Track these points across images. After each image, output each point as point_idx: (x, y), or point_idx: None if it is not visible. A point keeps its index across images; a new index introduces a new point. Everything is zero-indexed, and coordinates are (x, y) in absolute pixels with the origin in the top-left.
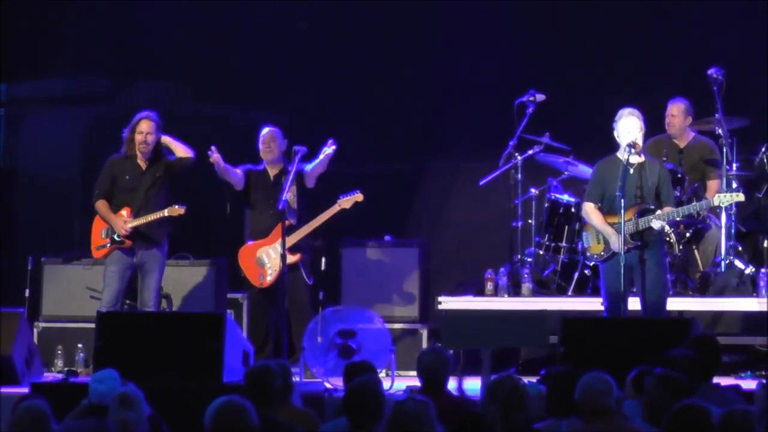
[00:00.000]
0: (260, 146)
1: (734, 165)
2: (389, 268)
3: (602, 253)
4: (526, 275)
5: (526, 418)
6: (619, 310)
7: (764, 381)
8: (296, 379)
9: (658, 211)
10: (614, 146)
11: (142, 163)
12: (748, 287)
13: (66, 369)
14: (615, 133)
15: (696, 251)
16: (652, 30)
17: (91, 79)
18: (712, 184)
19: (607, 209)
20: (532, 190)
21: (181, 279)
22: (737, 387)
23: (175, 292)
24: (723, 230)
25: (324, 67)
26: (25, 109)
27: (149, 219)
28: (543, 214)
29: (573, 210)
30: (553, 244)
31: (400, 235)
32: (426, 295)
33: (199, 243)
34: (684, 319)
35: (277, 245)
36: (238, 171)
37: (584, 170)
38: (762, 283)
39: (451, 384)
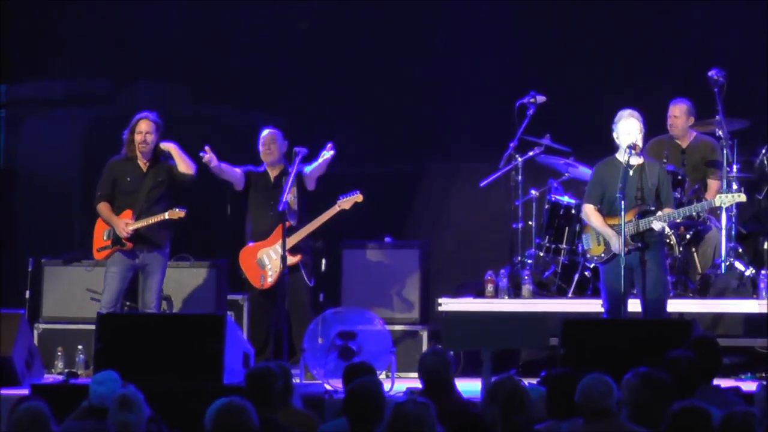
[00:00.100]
0: (260, 148)
1: (735, 167)
2: (389, 270)
3: (602, 255)
4: (526, 277)
5: (527, 419)
6: (619, 311)
7: (765, 383)
8: (296, 380)
9: (659, 213)
10: (614, 148)
11: (142, 165)
12: (748, 289)
13: (66, 370)
14: (614, 135)
15: (696, 253)
16: (651, 30)
17: (90, 79)
18: (713, 185)
19: (607, 211)
20: (533, 192)
21: (181, 280)
22: (737, 389)
23: (176, 293)
24: (723, 232)
25: (324, 67)
26: (25, 110)
27: (150, 222)
28: (543, 215)
29: (573, 211)
30: (553, 246)
31: (401, 236)
32: (426, 297)
33: (199, 244)
34: (684, 320)
35: (278, 246)
36: (238, 170)
37: (585, 172)
38: (762, 285)
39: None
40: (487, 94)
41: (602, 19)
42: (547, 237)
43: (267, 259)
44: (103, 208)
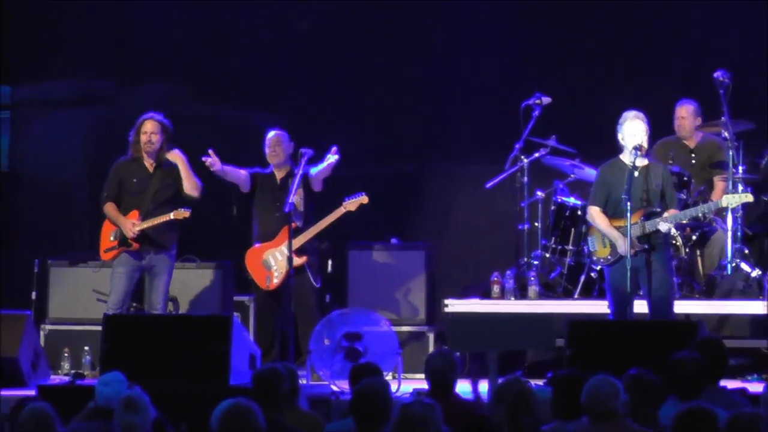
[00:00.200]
0: (266, 150)
1: (740, 168)
2: (395, 271)
3: (609, 257)
4: (532, 278)
5: (533, 421)
6: (625, 313)
7: None
8: (303, 381)
9: (665, 214)
10: (617, 149)
11: (149, 165)
12: (754, 290)
13: (72, 371)
14: (619, 136)
15: (702, 254)
16: (652, 31)
17: (93, 81)
18: (720, 185)
19: (612, 212)
20: (539, 193)
21: (187, 282)
22: (744, 390)
23: (182, 294)
24: (729, 233)
25: (326, 67)
26: (29, 112)
27: (156, 222)
28: (549, 217)
29: (579, 213)
30: (559, 247)
31: (407, 237)
32: (432, 298)
33: (205, 246)
34: (690, 322)
35: (284, 248)
36: (243, 172)
37: (590, 173)
38: None
39: (466, 387)
40: (490, 95)
41: (603, 19)
42: (553, 238)
43: (273, 260)
44: (109, 208)
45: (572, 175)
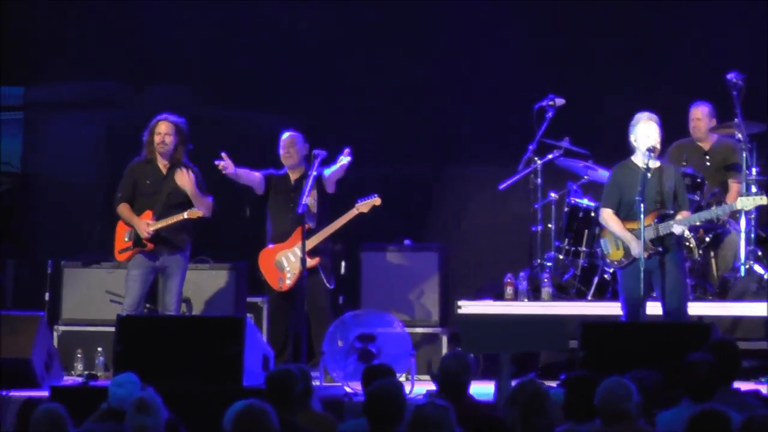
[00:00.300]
0: (280, 151)
1: (754, 169)
2: (409, 272)
3: (622, 260)
4: (545, 280)
5: (547, 422)
6: (637, 316)
7: None
8: (316, 383)
9: (678, 216)
10: (629, 151)
11: (162, 167)
12: (767, 292)
13: (86, 373)
14: (632, 138)
15: (715, 256)
16: (665, 33)
17: (106, 82)
18: (734, 187)
19: (625, 214)
20: (552, 195)
21: (200, 283)
22: (757, 392)
23: (195, 296)
24: (742, 235)
25: (339, 70)
26: (42, 113)
27: (170, 221)
28: (562, 218)
29: (592, 214)
30: (572, 249)
31: (420, 239)
32: (446, 300)
33: (218, 247)
34: (703, 324)
35: (297, 249)
36: (257, 174)
37: (604, 175)
38: None
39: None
40: (504, 97)
41: (617, 20)
42: (566, 240)
43: (285, 262)
44: (123, 209)
45: (586, 177)
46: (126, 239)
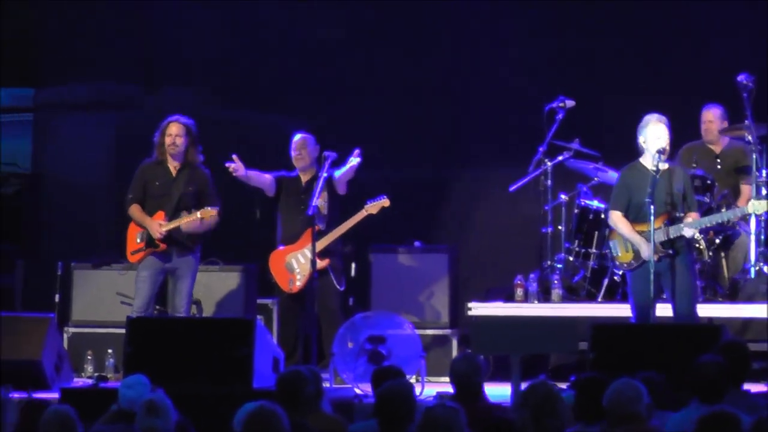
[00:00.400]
0: (292, 153)
1: (764, 171)
2: (419, 274)
3: (632, 262)
4: (555, 281)
5: (559, 424)
6: (648, 318)
7: None
8: (326, 384)
9: (688, 219)
10: (639, 152)
11: (172, 168)
12: None
13: (96, 374)
14: (640, 139)
15: (725, 258)
16: (676, 35)
17: (116, 83)
18: (746, 190)
19: (634, 217)
20: (562, 196)
21: (211, 284)
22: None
23: (205, 297)
24: (752, 237)
25: (350, 72)
26: (52, 114)
27: (184, 221)
28: (573, 220)
29: (603, 216)
30: (582, 250)
31: (430, 240)
32: (456, 301)
33: (228, 248)
34: (713, 325)
35: (306, 250)
36: (268, 176)
37: (614, 176)
38: None
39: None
40: (514, 99)
41: (626, 21)
42: (576, 241)
43: (295, 263)
44: (134, 210)
45: (596, 179)
46: (138, 240)
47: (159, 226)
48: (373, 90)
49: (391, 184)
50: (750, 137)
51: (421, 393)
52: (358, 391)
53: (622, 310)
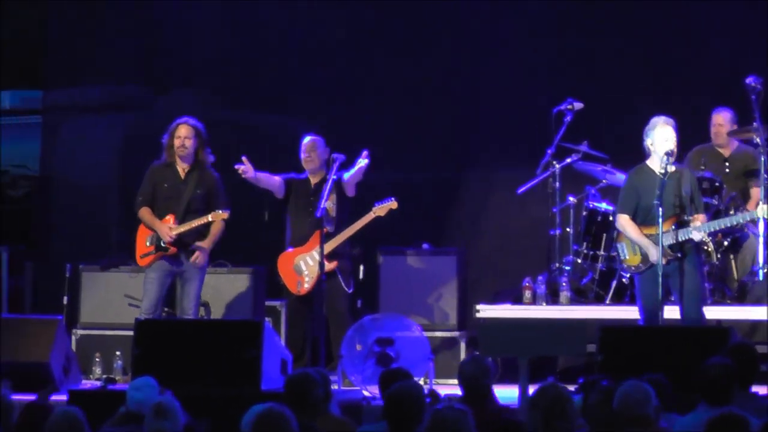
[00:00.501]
0: (301, 155)
1: None
2: (427, 276)
3: (640, 265)
4: (564, 283)
5: (568, 426)
6: (656, 321)
7: None
8: (334, 387)
9: (697, 222)
10: (646, 155)
11: (181, 171)
12: None
13: (104, 376)
14: (648, 142)
15: (734, 260)
16: (684, 36)
17: (125, 86)
18: (755, 193)
19: (642, 219)
20: (570, 199)
21: (219, 287)
22: None
23: (213, 299)
24: (761, 239)
25: (358, 74)
26: (61, 116)
27: (194, 225)
28: (581, 222)
29: (611, 218)
30: (591, 253)
31: (438, 243)
32: (464, 303)
33: (237, 250)
34: (722, 327)
35: (315, 252)
36: (277, 178)
37: (622, 178)
38: None
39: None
40: (522, 101)
41: (635, 23)
42: (584, 244)
43: (304, 265)
44: (144, 213)
45: (604, 181)
46: (147, 243)
47: (169, 229)
48: (382, 93)
49: (399, 186)
50: (758, 139)
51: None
52: (366, 393)
53: (631, 313)
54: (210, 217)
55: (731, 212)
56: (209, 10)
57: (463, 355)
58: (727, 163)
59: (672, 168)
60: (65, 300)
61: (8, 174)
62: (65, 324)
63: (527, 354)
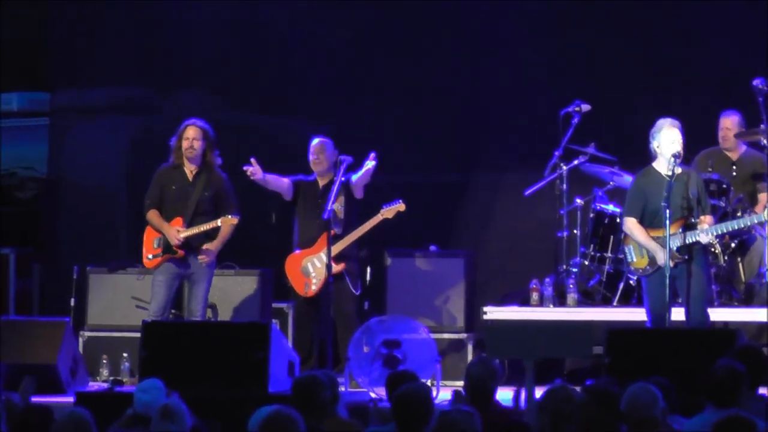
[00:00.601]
0: (310, 157)
1: None
2: (435, 278)
3: (647, 268)
4: (571, 285)
5: (576, 429)
6: (663, 323)
7: None
8: (341, 389)
9: (704, 224)
10: (652, 157)
11: (189, 173)
12: None
13: (111, 378)
14: (654, 144)
15: (741, 262)
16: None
17: (132, 88)
18: (763, 198)
19: (649, 222)
20: (578, 201)
21: (226, 289)
22: None
23: (221, 301)
24: (767, 241)
25: (365, 75)
26: (68, 119)
27: (202, 229)
28: (588, 224)
29: (618, 220)
30: (598, 255)
31: (446, 245)
32: (471, 305)
33: (244, 253)
34: (729, 330)
35: (322, 254)
36: (285, 180)
37: (629, 180)
38: None
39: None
40: (530, 103)
41: (642, 24)
42: (592, 246)
43: (311, 267)
44: (152, 215)
45: (611, 183)
46: (155, 246)
47: (177, 232)
48: (389, 95)
49: (406, 189)
50: (766, 141)
51: (436, 397)
52: (373, 395)
53: (638, 315)
54: (219, 222)
55: (738, 214)
56: (217, 12)
57: (470, 357)
58: (734, 167)
59: (679, 170)
60: (72, 302)
61: (16, 176)
62: (72, 326)
63: (534, 356)
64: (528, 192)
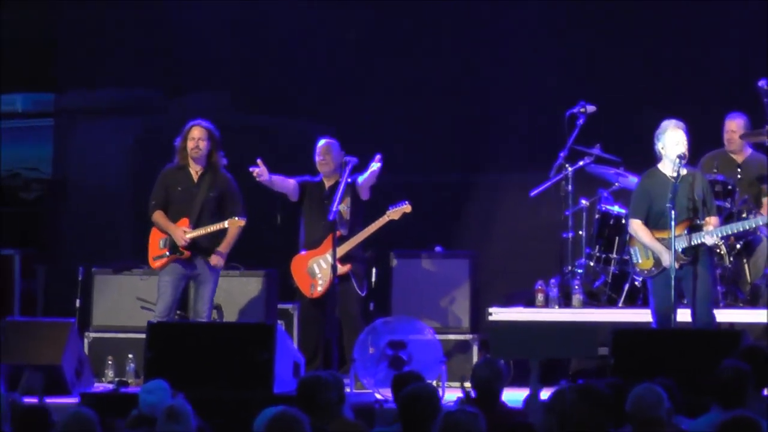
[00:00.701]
0: (316, 158)
1: None
2: (440, 279)
3: (653, 269)
4: (576, 286)
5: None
6: (669, 324)
7: None
8: (347, 390)
9: (709, 226)
10: (657, 159)
11: (194, 174)
12: None
13: (116, 379)
14: (659, 145)
15: (746, 263)
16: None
17: (139, 89)
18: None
19: (654, 224)
20: (583, 202)
21: (231, 290)
22: None
23: (226, 302)
24: None
25: (371, 76)
26: (73, 119)
27: (209, 230)
28: (593, 225)
29: (623, 221)
30: (603, 256)
31: (451, 246)
32: (476, 306)
33: (250, 253)
34: (734, 330)
35: (328, 256)
36: (291, 181)
37: (635, 182)
38: None
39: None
40: (535, 104)
41: (648, 26)
42: (597, 247)
43: (317, 268)
44: (158, 216)
45: (617, 184)
46: (161, 246)
47: (183, 233)
48: (394, 96)
49: (412, 190)
50: None
51: (441, 398)
52: (378, 396)
53: (643, 316)
54: (226, 224)
55: (744, 216)
56: (222, 13)
57: (475, 358)
58: (739, 170)
59: (684, 171)
60: (77, 303)
61: (21, 177)
62: (77, 327)
63: (539, 357)
64: (533, 193)
